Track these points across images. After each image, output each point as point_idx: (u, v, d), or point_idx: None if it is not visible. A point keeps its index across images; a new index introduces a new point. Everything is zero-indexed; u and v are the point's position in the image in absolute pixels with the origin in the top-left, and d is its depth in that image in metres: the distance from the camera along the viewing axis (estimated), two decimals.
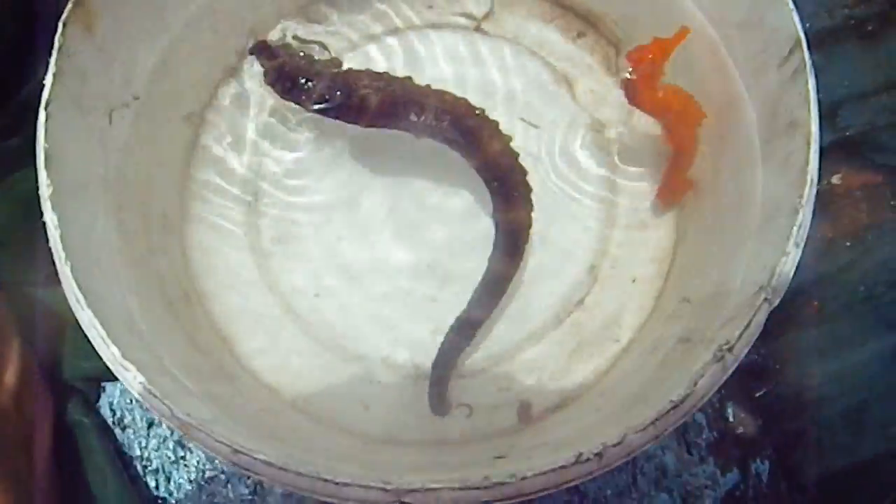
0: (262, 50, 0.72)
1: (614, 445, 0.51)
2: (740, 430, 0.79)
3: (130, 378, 0.53)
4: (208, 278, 0.75)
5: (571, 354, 0.73)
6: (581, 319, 0.74)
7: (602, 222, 0.76)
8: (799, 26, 0.59)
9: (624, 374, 0.70)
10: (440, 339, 0.71)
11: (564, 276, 0.75)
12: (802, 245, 0.55)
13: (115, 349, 0.54)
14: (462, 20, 0.82)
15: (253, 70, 0.79)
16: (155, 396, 0.53)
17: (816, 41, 0.82)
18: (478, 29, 0.82)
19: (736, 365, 0.53)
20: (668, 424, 0.52)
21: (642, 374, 0.65)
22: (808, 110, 0.57)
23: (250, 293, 0.75)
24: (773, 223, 0.58)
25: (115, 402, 0.78)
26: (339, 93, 0.66)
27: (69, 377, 0.77)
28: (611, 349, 0.72)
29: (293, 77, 0.68)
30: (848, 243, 0.83)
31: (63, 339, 0.76)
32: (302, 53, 0.73)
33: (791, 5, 0.59)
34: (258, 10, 0.79)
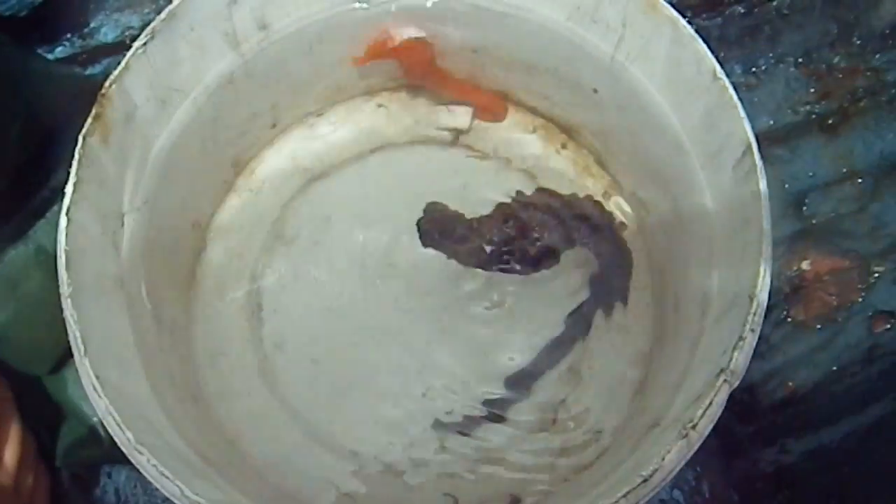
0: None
1: None
2: None
3: (144, 461, 0.57)
4: (213, 382, 0.79)
5: (558, 454, 0.76)
6: (564, 419, 0.77)
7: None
8: (750, 132, 0.64)
9: (604, 466, 0.72)
10: (431, 438, 0.76)
11: (547, 377, 0.79)
12: (758, 331, 0.59)
13: (129, 434, 0.57)
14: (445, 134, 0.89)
15: (249, 184, 0.86)
16: (167, 477, 0.56)
17: (782, 135, 0.92)
18: (455, 143, 0.88)
19: (701, 441, 0.57)
20: (638, 498, 0.55)
21: (614, 463, 0.68)
22: (760, 209, 0.61)
23: (254, 395, 0.79)
24: (732, 312, 0.62)
25: (120, 487, 0.82)
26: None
27: (67, 463, 0.80)
28: (592, 447, 0.76)
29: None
30: (819, 325, 0.88)
31: (63, 425, 0.79)
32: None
33: (742, 113, 0.64)
34: (254, 119, 0.85)
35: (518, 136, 0.89)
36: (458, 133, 0.88)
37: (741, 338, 0.58)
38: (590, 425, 0.77)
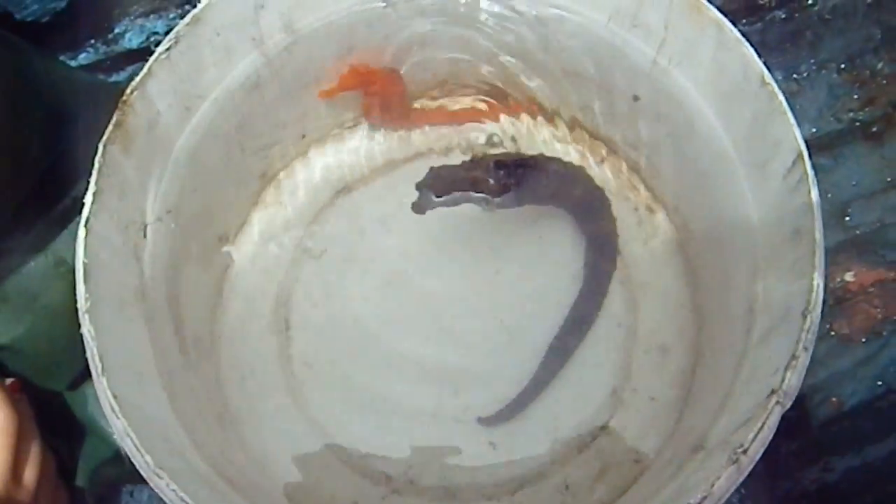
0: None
1: None
2: None
3: (163, 485, 0.54)
4: (240, 401, 0.76)
5: (597, 477, 0.73)
6: (605, 443, 0.74)
7: (622, 345, 0.78)
8: (800, 139, 0.61)
9: (643, 489, 0.69)
10: (465, 459, 0.73)
11: (587, 400, 0.76)
12: (811, 349, 0.56)
13: (148, 457, 0.55)
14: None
15: (277, 196, 0.84)
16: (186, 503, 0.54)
17: (824, 143, 0.88)
18: None
19: (752, 466, 0.54)
20: None
21: (654, 488, 0.65)
22: (812, 219, 0.58)
23: (282, 415, 0.76)
24: (781, 328, 0.59)
25: None
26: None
27: (93, 483, 0.78)
28: (632, 470, 0.72)
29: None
30: (864, 339, 0.85)
31: (85, 442, 0.78)
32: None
33: (792, 120, 0.62)
34: (283, 129, 0.82)
35: (556, 148, 0.86)
36: (493, 145, 0.86)
37: (794, 356, 0.55)
38: (630, 447, 0.74)
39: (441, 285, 0.80)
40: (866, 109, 0.94)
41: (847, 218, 0.89)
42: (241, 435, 0.75)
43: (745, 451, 0.53)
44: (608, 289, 0.79)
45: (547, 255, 0.81)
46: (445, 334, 0.78)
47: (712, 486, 0.52)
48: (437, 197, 0.72)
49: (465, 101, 0.88)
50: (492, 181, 0.72)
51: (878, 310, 0.87)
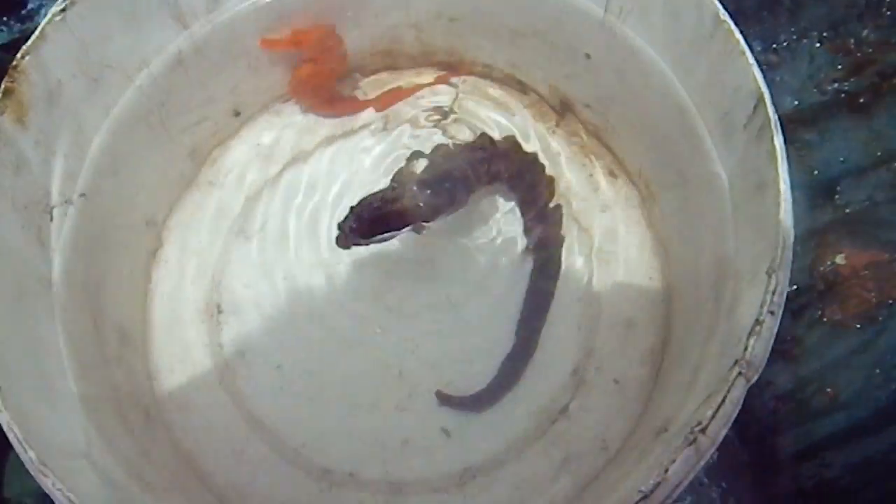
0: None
1: None
2: None
3: (49, 484, 0.49)
4: (170, 393, 0.71)
5: (559, 467, 0.67)
6: (566, 428, 0.69)
7: (585, 321, 0.72)
8: (761, 81, 0.55)
9: (610, 477, 0.64)
10: (410, 451, 0.68)
11: (546, 380, 0.70)
12: (779, 314, 0.50)
13: (31, 453, 0.49)
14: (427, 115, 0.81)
15: (210, 176, 0.79)
16: None
17: (808, 117, 0.81)
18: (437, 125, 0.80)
19: (713, 448, 0.48)
20: None
21: (622, 478, 0.59)
22: (776, 169, 0.52)
23: (214, 407, 0.71)
24: (748, 293, 0.53)
25: None
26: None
27: (14, 494, 0.73)
28: (599, 458, 0.67)
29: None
30: (858, 325, 0.78)
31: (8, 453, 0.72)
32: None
33: (751, 59, 0.56)
34: (211, 104, 0.77)
35: (504, 118, 0.80)
36: (443, 114, 0.80)
37: (758, 321, 0.49)
38: (595, 434, 0.68)
39: (383, 261, 0.74)
40: (852, 80, 0.87)
41: (836, 197, 0.82)
42: (171, 431, 0.70)
43: (703, 430, 0.47)
44: (561, 256, 0.74)
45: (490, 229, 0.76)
46: (390, 315, 0.73)
47: (666, 470, 0.46)
48: (364, 239, 0.66)
49: (408, 75, 0.83)
50: (421, 205, 0.66)
51: (873, 293, 0.80)
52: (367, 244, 0.66)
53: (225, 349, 0.72)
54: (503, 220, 0.75)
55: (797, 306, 0.77)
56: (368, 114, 0.81)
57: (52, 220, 0.62)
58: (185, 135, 0.76)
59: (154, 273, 0.75)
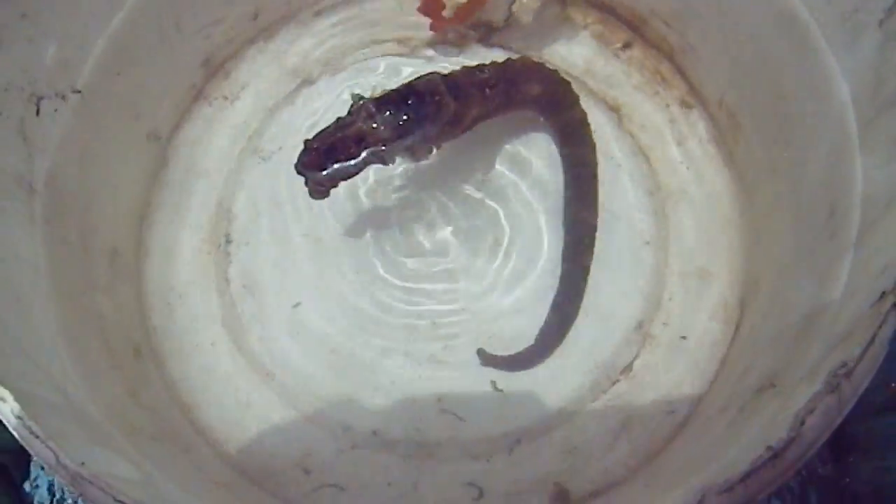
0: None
1: None
2: None
3: (7, 411, 0.41)
4: (167, 330, 0.64)
5: (617, 433, 0.59)
6: (627, 389, 0.60)
7: (652, 269, 0.63)
8: None
9: (680, 450, 0.56)
10: (446, 412, 0.60)
11: (606, 335, 0.62)
12: None
13: None
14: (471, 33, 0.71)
15: (223, 89, 0.70)
16: (36, 436, 0.40)
17: None
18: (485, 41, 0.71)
19: (855, 399, 0.38)
20: (762, 484, 0.37)
21: (705, 443, 0.51)
22: None
23: (217, 351, 0.63)
24: (888, 217, 0.45)
25: (55, 482, 0.66)
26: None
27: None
28: (664, 423, 0.59)
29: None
30: None
31: None
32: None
33: None
34: (228, 5, 0.68)
35: (565, 33, 0.70)
36: (489, 30, 0.70)
37: None
38: (661, 396, 0.60)
39: (414, 193, 0.66)
40: None
41: None
42: (164, 374, 0.62)
43: (848, 374, 0.38)
44: (597, 185, 0.65)
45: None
46: (421, 251, 0.65)
47: (802, 422, 0.36)
48: (322, 172, 0.56)
49: None
50: (379, 126, 0.56)
51: None
52: (329, 181, 0.56)
53: (232, 285, 0.64)
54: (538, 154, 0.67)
55: None
56: (408, 29, 0.71)
57: (38, 113, 0.55)
58: (198, 37, 0.67)
59: (155, 194, 0.66)
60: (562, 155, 0.66)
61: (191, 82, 0.69)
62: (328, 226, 0.65)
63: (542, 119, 0.66)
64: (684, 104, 0.67)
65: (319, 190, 0.56)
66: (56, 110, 0.56)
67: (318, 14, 0.72)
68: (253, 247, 0.65)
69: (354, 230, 0.65)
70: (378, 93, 0.58)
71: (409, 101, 0.57)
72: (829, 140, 0.53)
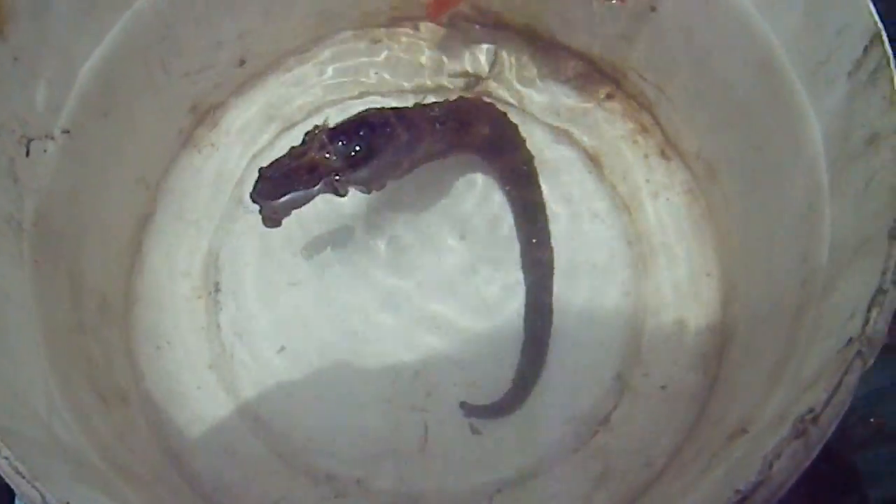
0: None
1: None
2: None
3: None
4: (154, 377, 0.64)
5: (596, 483, 0.60)
6: (606, 440, 0.61)
7: (631, 320, 0.64)
8: (876, 16, 0.48)
9: (656, 498, 0.57)
10: (429, 458, 0.61)
11: (586, 386, 0.63)
12: None
13: None
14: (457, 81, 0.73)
15: (211, 137, 0.71)
16: (22, 476, 0.40)
17: None
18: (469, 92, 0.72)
19: (822, 445, 0.39)
20: None
21: (676, 489, 0.53)
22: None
23: (205, 397, 0.64)
24: (856, 263, 0.46)
25: None
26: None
27: None
28: (642, 474, 0.59)
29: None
30: None
31: None
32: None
33: None
34: (216, 50, 0.69)
35: (549, 85, 0.72)
36: (475, 80, 0.72)
37: (881, 290, 0.42)
38: (638, 447, 0.61)
39: (402, 241, 0.67)
40: None
41: None
42: (152, 420, 0.62)
43: (815, 419, 0.39)
44: (548, 224, 0.67)
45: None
46: (404, 299, 0.66)
47: (771, 466, 0.37)
48: (277, 201, 0.57)
49: None
50: (332, 157, 0.57)
51: None
52: (283, 210, 0.57)
53: (222, 332, 0.65)
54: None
55: None
56: (394, 76, 0.73)
57: (28, 154, 0.56)
58: (185, 81, 0.68)
59: (144, 241, 0.67)
60: (510, 198, 0.69)
61: (178, 127, 0.70)
62: (313, 275, 0.66)
63: (487, 163, 0.67)
64: (664, 155, 0.69)
65: (273, 218, 0.57)
66: (45, 150, 0.57)
67: (302, 62, 0.73)
68: (243, 296, 0.66)
69: (339, 279, 0.66)
70: (331, 124, 0.59)
71: (361, 133, 0.58)
72: (803, 188, 0.54)
